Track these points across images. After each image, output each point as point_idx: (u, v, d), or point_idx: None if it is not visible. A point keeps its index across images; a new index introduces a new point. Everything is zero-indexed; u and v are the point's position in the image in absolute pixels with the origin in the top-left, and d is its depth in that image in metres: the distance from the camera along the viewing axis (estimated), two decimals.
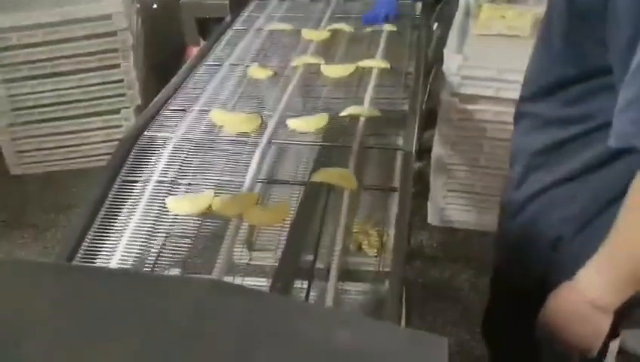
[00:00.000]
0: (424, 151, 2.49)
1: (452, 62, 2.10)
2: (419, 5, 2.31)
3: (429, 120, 2.46)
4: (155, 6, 3.20)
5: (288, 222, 1.20)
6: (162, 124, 1.51)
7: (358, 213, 1.29)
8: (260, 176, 1.32)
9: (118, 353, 0.46)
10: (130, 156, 1.38)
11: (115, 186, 1.30)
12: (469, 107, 2.18)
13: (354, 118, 1.51)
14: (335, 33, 2.02)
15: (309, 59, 1.81)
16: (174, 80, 1.71)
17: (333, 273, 1.09)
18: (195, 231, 1.21)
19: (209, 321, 0.46)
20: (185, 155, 1.39)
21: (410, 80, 1.72)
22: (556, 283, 0.99)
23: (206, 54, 1.90)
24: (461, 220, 2.44)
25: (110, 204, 1.25)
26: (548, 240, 1.03)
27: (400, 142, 1.45)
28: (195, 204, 1.25)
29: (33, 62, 2.70)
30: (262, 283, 1.09)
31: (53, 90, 2.76)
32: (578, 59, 0.94)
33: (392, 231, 1.21)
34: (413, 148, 1.38)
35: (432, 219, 2.48)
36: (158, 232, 1.20)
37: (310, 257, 1.16)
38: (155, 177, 1.32)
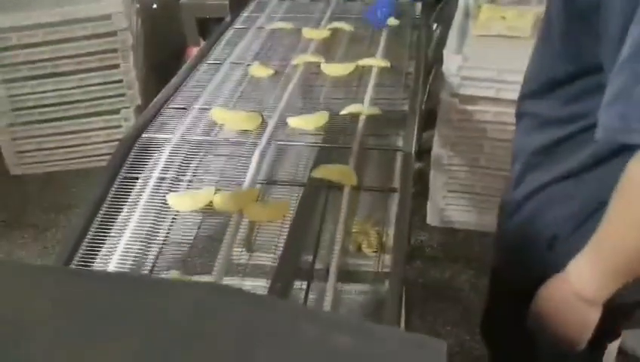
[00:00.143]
0: (424, 152, 2.49)
1: (452, 63, 2.10)
2: (419, 5, 2.31)
3: (429, 120, 2.46)
4: (154, 6, 3.20)
5: (288, 219, 1.20)
6: (163, 122, 1.51)
7: (357, 213, 1.29)
8: (260, 176, 1.33)
9: (117, 353, 0.46)
10: (132, 154, 1.39)
11: (116, 184, 1.30)
12: (469, 108, 2.18)
13: (354, 117, 1.51)
14: (335, 32, 2.02)
15: (310, 57, 1.81)
16: (175, 79, 1.72)
17: (333, 273, 1.09)
18: (196, 228, 1.21)
19: (207, 324, 0.46)
20: (185, 154, 1.39)
21: (410, 80, 1.73)
22: None
23: (207, 53, 1.91)
24: (461, 221, 2.44)
25: (111, 202, 1.26)
26: (544, 239, 1.03)
27: (400, 142, 1.45)
28: (195, 200, 1.25)
29: (33, 62, 2.70)
30: (261, 283, 1.09)
31: (53, 91, 2.76)
32: (576, 57, 0.95)
33: (391, 232, 1.21)
34: (413, 149, 1.39)
35: (431, 219, 2.48)
36: (158, 231, 1.20)
37: (309, 258, 1.16)
38: (156, 175, 1.33)
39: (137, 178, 1.32)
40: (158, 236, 1.19)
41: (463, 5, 2.41)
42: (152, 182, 1.31)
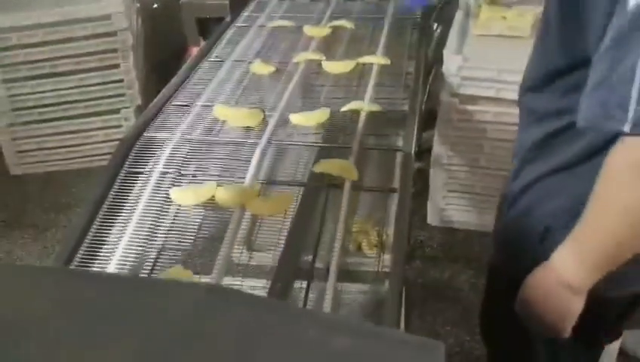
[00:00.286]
0: (424, 152, 2.49)
1: (452, 63, 2.10)
2: None
3: (429, 120, 2.46)
4: (155, 6, 3.20)
5: (290, 213, 1.21)
6: (166, 119, 1.52)
7: (358, 213, 1.30)
8: (260, 176, 1.33)
9: (117, 354, 0.46)
10: (134, 151, 1.39)
11: (119, 180, 1.31)
12: (469, 108, 2.18)
13: (355, 113, 1.52)
14: (336, 30, 2.03)
15: (311, 55, 1.82)
16: (177, 77, 1.73)
17: (333, 273, 1.09)
18: (198, 223, 1.22)
19: (207, 326, 0.46)
20: (188, 150, 1.40)
21: (409, 80, 1.73)
22: None
23: (208, 51, 1.91)
24: (461, 220, 2.44)
25: (113, 199, 1.26)
26: (537, 232, 1.04)
27: (400, 142, 1.45)
28: (198, 194, 1.26)
29: (33, 62, 2.70)
30: (261, 283, 1.09)
31: (53, 90, 2.76)
32: (569, 51, 0.96)
33: (391, 231, 1.21)
34: (413, 150, 1.39)
35: (431, 219, 2.48)
36: (159, 229, 1.20)
37: (309, 257, 1.16)
38: (159, 170, 1.33)
39: (140, 173, 1.33)
40: (160, 231, 1.20)
41: (464, 5, 2.41)
42: (154, 177, 1.31)
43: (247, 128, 1.47)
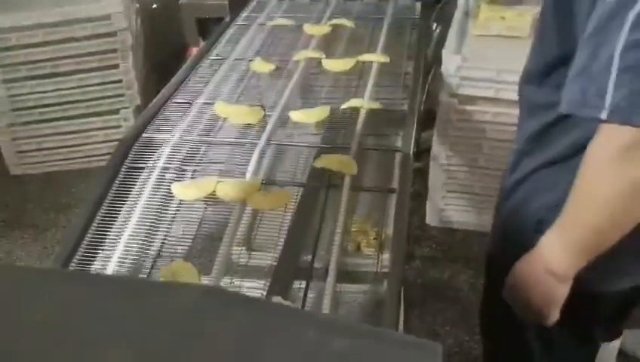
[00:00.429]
0: (423, 152, 2.50)
1: (451, 63, 2.10)
2: (418, 5, 2.32)
3: (428, 120, 2.47)
4: (154, 6, 3.20)
5: (290, 208, 1.22)
6: (167, 116, 1.54)
7: (357, 213, 1.30)
8: (260, 175, 1.34)
9: (117, 355, 0.46)
10: (134, 149, 1.41)
11: (119, 178, 1.32)
12: (468, 108, 2.18)
13: (354, 110, 1.53)
14: (336, 28, 2.04)
15: (311, 53, 1.83)
16: (178, 75, 1.74)
17: (332, 273, 1.10)
18: (199, 218, 1.23)
19: (205, 327, 0.46)
20: (189, 147, 1.42)
21: (408, 80, 1.73)
22: None
23: (209, 50, 1.92)
24: (460, 221, 2.44)
25: (113, 197, 1.28)
26: (532, 224, 1.05)
27: (398, 142, 1.46)
28: (199, 189, 1.27)
29: (33, 62, 2.70)
30: (260, 284, 1.10)
31: (52, 91, 2.77)
32: (564, 43, 0.96)
33: (390, 232, 1.21)
34: (411, 150, 1.39)
35: (431, 219, 2.48)
36: (160, 225, 1.21)
37: (308, 257, 1.16)
38: (160, 165, 1.35)
39: (140, 171, 1.34)
40: (161, 226, 1.21)
41: (463, 5, 2.41)
42: (156, 173, 1.33)
43: (248, 125, 1.49)
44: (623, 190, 0.85)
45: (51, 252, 2.45)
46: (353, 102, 1.55)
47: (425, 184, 2.44)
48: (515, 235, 1.08)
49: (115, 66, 2.77)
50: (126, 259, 1.14)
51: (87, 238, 1.18)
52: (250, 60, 1.82)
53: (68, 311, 0.51)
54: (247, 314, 0.46)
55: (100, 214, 1.23)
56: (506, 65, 2.01)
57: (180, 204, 1.26)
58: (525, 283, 1.02)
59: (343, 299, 1.12)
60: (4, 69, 2.70)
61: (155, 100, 1.61)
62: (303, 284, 1.11)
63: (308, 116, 1.51)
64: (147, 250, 1.17)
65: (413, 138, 1.45)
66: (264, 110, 1.54)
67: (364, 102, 1.55)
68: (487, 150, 2.24)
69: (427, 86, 2.52)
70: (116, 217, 1.23)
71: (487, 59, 2.09)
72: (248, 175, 1.31)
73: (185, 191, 1.27)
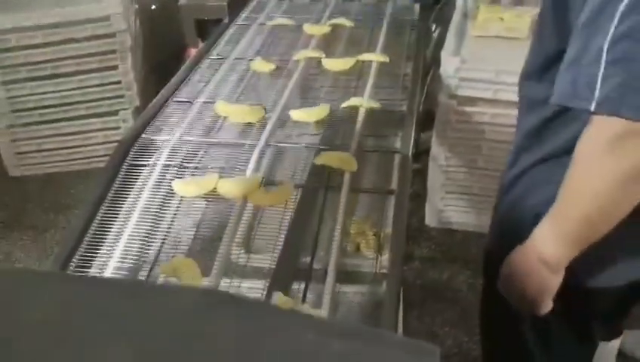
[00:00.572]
0: (422, 153, 2.50)
1: (450, 65, 2.10)
2: (417, 7, 2.32)
3: (427, 121, 2.47)
4: (153, 7, 3.20)
5: (290, 206, 1.23)
6: (168, 115, 1.55)
7: (356, 214, 1.31)
8: (260, 174, 1.35)
9: (116, 356, 0.47)
10: (134, 149, 1.42)
11: (119, 177, 1.33)
12: (467, 109, 2.18)
13: (354, 109, 1.54)
14: (336, 28, 2.05)
15: (311, 53, 1.84)
16: (178, 74, 1.76)
17: (331, 274, 1.10)
18: (200, 214, 1.24)
19: (202, 331, 0.46)
20: (190, 145, 1.43)
21: (407, 81, 1.74)
22: None
23: (209, 50, 1.93)
24: (459, 222, 2.45)
25: (117, 189, 1.29)
26: (529, 219, 1.05)
27: (397, 143, 1.46)
28: (200, 186, 1.28)
29: (32, 63, 2.70)
30: (259, 285, 1.10)
31: (52, 92, 2.77)
32: (561, 38, 0.97)
33: (389, 233, 1.21)
34: (410, 151, 1.40)
35: (430, 220, 2.48)
36: (159, 225, 1.22)
37: (308, 258, 1.16)
38: (162, 162, 1.36)
39: (140, 171, 1.35)
40: (162, 223, 1.22)
41: (461, 6, 2.41)
42: (156, 171, 1.34)
43: (249, 124, 1.50)
44: (613, 181, 0.87)
45: (50, 253, 2.45)
46: (353, 101, 1.57)
47: (424, 185, 2.44)
48: (512, 230, 1.09)
49: (114, 67, 2.77)
50: (127, 256, 1.15)
51: (87, 237, 1.18)
52: (251, 60, 1.83)
53: (67, 312, 0.51)
54: (247, 316, 0.46)
55: (100, 213, 1.24)
56: (504, 66, 2.02)
57: (181, 201, 1.27)
58: (519, 273, 1.03)
59: (342, 300, 1.12)
60: (4, 70, 2.70)
61: (155, 100, 1.62)
62: (302, 286, 1.11)
63: (308, 115, 1.52)
64: (148, 247, 1.17)
65: (412, 139, 1.45)
66: (264, 109, 1.55)
67: (363, 101, 1.56)
68: (486, 151, 2.24)
69: (426, 87, 2.52)
70: (117, 216, 1.24)
71: (486, 61, 2.10)
72: (248, 172, 1.32)
73: (186, 188, 1.28)
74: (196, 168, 1.36)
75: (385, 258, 1.18)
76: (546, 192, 1.01)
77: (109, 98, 2.82)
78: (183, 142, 1.43)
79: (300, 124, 1.51)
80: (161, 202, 1.26)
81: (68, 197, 2.76)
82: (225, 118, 1.53)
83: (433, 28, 2.55)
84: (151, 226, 1.21)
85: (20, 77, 2.72)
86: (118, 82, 2.80)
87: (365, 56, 1.81)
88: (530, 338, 1.20)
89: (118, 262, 1.13)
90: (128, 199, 1.28)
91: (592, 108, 0.84)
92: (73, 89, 2.77)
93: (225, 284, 1.12)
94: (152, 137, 1.45)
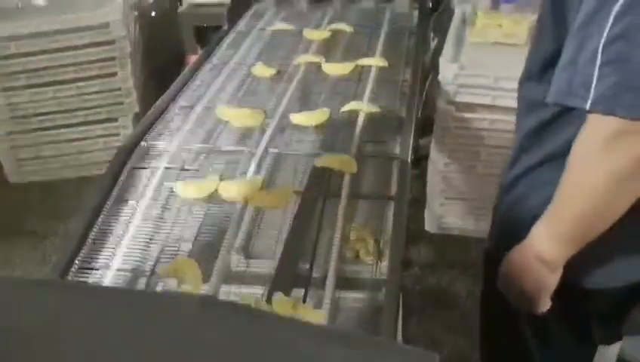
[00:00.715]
0: (422, 158, 2.50)
1: (448, 71, 2.11)
2: (416, 13, 2.33)
3: (426, 127, 2.47)
4: (153, 14, 3.21)
5: (289, 209, 1.25)
6: (170, 119, 1.57)
7: (355, 220, 1.31)
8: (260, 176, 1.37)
9: None
10: (139, 147, 1.44)
11: (122, 177, 1.36)
12: (466, 115, 2.18)
13: (354, 114, 1.55)
14: (335, 33, 2.06)
15: (311, 57, 1.85)
16: (179, 79, 1.77)
17: (330, 281, 1.10)
18: (202, 217, 1.25)
19: (201, 338, 0.46)
20: (190, 150, 1.45)
21: (406, 87, 1.75)
22: None
23: (210, 55, 1.94)
24: (458, 227, 2.45)
25: (119, 192, 1.31)
26: (528, 221, 1.05)
27: (397, 149, 1.47)
28: (202, 188, 1.29)
29: (32, 70, 2.71)
30: (259, 291, 1.10)
31: (51, 99, 2.77)
32: (559, 39, 0.98)
33: (389, 239, 1.22)
34: (409, 157, 1.40)
35: (429, 226, 2.48)
36: (161, 228, 1.23)
37: (307, 265, 1.17)
38: (162, 167, 1.38)
39: (145, 169, 1.38)
40: (164, 225, 1.23)
41: (460, 13, 2.42)
42: (158, 174, 1.35)
43: (249, 128, 1.51)
44: (609, 178, 0.88)
45: (50, 260, 2.45)
46: (352, 105, 1.57)
47: (423, 190, 2.44)
48: (512, 230, 1.10)
49: (114, 74, 2.78)
50: (129, 258, 1.16)
51: (88, 241, 1.19)
52: (252, 65, 1.84)
53: (65, 323, 0.51)
54: (247, 324, 0.46)
55: (101, 217, 1.25)
56: (503, 72, 2.02)
57: (183, 203, 1.28)
58: (517, 271, 1.04)
59: (342, 306, 1.12)
60: (4, 77, 2.70)
61: (156, 104, 1.63)
62: (302, 291, 1.11)
63: (308, 119, 1.53)
64: (149, 249, 1.18)
65: (411, 145, 1.46)
66: (265, 113, 1.56)
67: (363, 105, 1.57)
68: (485, 157, 2.25)
69: (425, 93, 2.53)
70: (118, 219, 1.25)
71: (485, 67, 2.10)
72: (249, 175, 1.33)
73: (188, 190, 1.29)
74: (197, 171, 1.38)
75: (384, 264, 1.18)
76: (546, 193, 1.01)
77: (108, 105, 2.82)
78: (184, 147, 1.44)
79: (300, 128, 1.52)
80: (163, 205, 1.27)
81: (68, 204, 2.76)
82: (226, 122, 1.54)
83: (432, 34, 2.56)
84: (153, 229, 1.22)
85: (19, 84, 2.72)
86: (118, 89, 2.80)
87: (365, 61, 1.82)
88: (530, 338, 1.20)
89: (120, 263, 1.14)
90: (130, 202, 1.29)
91: (588, 106, 0.86)
92: (72, 96, 2.78)
93: (224, 291, 1.12)
94: (153, 143, 1.46)
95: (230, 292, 1.12)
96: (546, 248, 0.99)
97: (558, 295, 1.04)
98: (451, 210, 2.43)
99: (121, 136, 2.84)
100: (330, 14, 2.27)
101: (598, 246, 0.96)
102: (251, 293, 1.12)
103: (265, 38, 2.07)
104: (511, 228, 1.11)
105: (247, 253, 1.23)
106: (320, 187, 1.34)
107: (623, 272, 1.08)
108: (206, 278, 1.11)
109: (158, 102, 1.64)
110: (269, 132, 1.48)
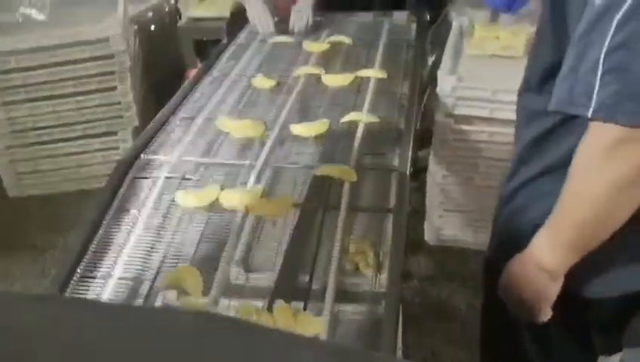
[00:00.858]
0: (420, 170, 2.51)
1: (446, 84, 2.12)
2: (413, 26, 2.35)
3: (425, 139, 2.48)
4: (152, 28, 3.23)
5: (290, 221, 1.26)
6: (171, 130, 1.59)
7: (355, 233, 1.31)
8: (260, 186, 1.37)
9: None
10: (139, 159, 1.45)
11: (125, 185, 1.37)
12: (464, 127, 2.19)
13: (353, 124, 1.56)
14: (335, 45, 2.07)
15: (311, 69, 1.86)
16: (180, 92, 1.79)
17: (330, 293, 1.10)
18: (202, 226, 1.26)
19: (199, 354, 0.46)
20: (191, 161, 1.46)
21: (404, 99, 1.76)
22: None
23: (210, 68, 1.96)
24: (457, 239, 2.45)
25: (120, 203, 1.33)
26: (529, 231, 1.06)
27: (396, 161, 1.47)
28: (202, 197, 1.31)
29: (31, 84, 2.71)
30: (258, 304, 1.10)
31: (51, 113, 2.77)
32: (559, 50, 0.99)
33: (388, 251, 1.22)
34: (408, 170, 1.41)
35: (428, 238, 2.48)
36: (161, 241, 1.24)
37: (306, 277, 1.17)
38: (163, 176, 1.40)
39: (146, 179, 1.40)
40: (165, 235, 1.24)
41: (457, 26, 2.44)
42: (159, 184, 1.37)
43: (250, 139, 1.53)
44: (610, 187, 0.88)
45: (49, 274, 2.44)
46: (352, 116, 1.58)
47: (423, 202, 2.45)
48: (512, 241, 1.10)
49: (113, 88, 2.78)
50: (130, 266, 1.17)
51: (91, 248, 1.21)
52: (252, 77, 1.85)
53: (63, 338, 0.51)
54: (245, 339, 0.46)
55: (103, 224, 1.26)
56: (501, 84, 2.03)
57: (184, 212, 1.29)
58: (518, 281, 1.05)
59: (341, 319, 1.12)
60: (3, 91, 2.71)
61: (156, 117, 1.64)
62: (302, 304, 1.11)
63: (308, 129, 1.55)
64: (150, 257, 1.19)
65: (409, 158, 1.46)
66: (265, 124, 1.57)
67: (362, 116, 1.58)
68: (484, 169, 2.25)
69: (423, 105, 2.54)
70: (120, 226, 1.27)
71: (482, 79, 2.11)
72: (250, 185, 1.34)
73: (189, 199, 1.30)
74: (198, 181, 1.39)
75: (384, 276, 1.18)
76: (546, 204, 1.02)
77: (108, 118, 2.83)
78: (184, 160, 1.46)
79: (300, 139, 1.53)
80: (164, 214, 1.28)
81: (67, 217, 2.75)
82: (227, 133, 1.55)
83: (430, 47, 2.57)
84: (154, 238, 1.23)
85: (18, 98, 2.73)
86: (118, 103, 2.81)
87: (364, 72, 1.83)
88: (531, 348, 1.20)
89: (122, 272, 1.15)
90: (131, 211, 1.30)
91: (590, 114, 0.86)
92: (72, 110, 2.78)
93: (224, 304, 1.12)
94: (154, 153, 1.47)
95: (230, 306, 1.13)
96: (547, 257, 0.99)
97: (559, 304, 1.05)
98: (450, 222, 2.43)
99: (120, 149, 2.85)
100: (330, 27, 2.29)
101: (598, 255, 0.96)
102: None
103: (265, 51, 2.09)
104: (511, 238, 1.12)
105: (246, 265, 1.23)
106: (320, 196, 1.35)
107: (623, 281, 1.08)
108: (206, 288, 1.12)
109: (158, 115, 1.65)
110: (269, 143, 1.49)
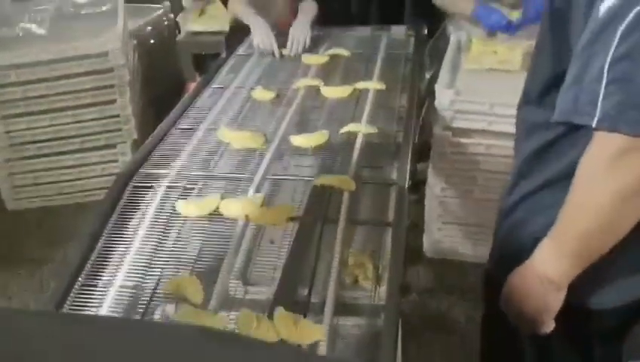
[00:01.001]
0: (419, 183, 2.51)
1: (444, 97, 2.13)
2: (412, 40, 2.36)
3: (423, 152, 2.49)
4: (152, 42, 3.24)
5: (288, 235, 1.26)
6: (172, 141, 1.60)
7: (354, 246, 1.32)
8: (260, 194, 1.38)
9: None
10: (144, 167, 1.47)
11: (128, 191, 1.39)
12: (462, 140, 2.20)
13: (352, 135, 1.57)
14: (334, 58, 2.08)
15: (310, 81, 1.88)
16: (180, 105, 1.80)
17: (329, 306, 1.10)
18: (203, 235, 1.26)
19: None
20: (193, 171, 1.47)
21: (403, 112, 1.77)
22: None
23: (210, 80, 1.97)
24: (456, 252, 2.45)
25: (121, 211, 1.33)
26: (530, 244, 1.06)
27: (394, 174, 1.48)
28: (203, 206, 1.31)
29: (31, 98, 2.72)
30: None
31: (50, 126, 2.78)
32: (560, 63, 1.00)
33: (387, 264, 1.22)
34: (407, 183, 1.41)
35: (427, 250, 2.48)
36: (161, 250, 1.24)
37: (305, 291, 1.17)
38: (165, 185, 1.40)
39: (149, 188, 1.40)
40: (165, 244, 1.25)
41: (455, 40, 2.45)
42: (160, 193, 1.37)
43: (250, 150, 1.54)
44: (614, 197, 0.89)
45: (47, 288, 2.44)
46: (351, 127, 1.59)
47: (421, 215, 2.45)
48: (513, 254, 1.10)
49: (113, 101, 2.79)
50: (131, 275, 1.17)
51: (92, 256, 1.21)
52: (252, 89, 1.87)
53: (64, 354, 0.51)
54: (244, 355, 0.47)
55: (104, 234, 1.26)
56: (498, 98, 2.04)
57: (185, 221, 1.29)
58: (520, 293, 1.04)
59: (341, 332, 1.12)
60: (2, 105, 2.71)
61: (158, 128, 1.65)
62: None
63: (307, 140, 1.56)
64: (151, 266, 1.20)
65: (408, 171, 1.47)
66: (265, 135, 1.58)
67: (361, 127, 1.59)
68: (482, 181, 2.25)
69: (421, 118, 2.55)
70: (121, 236, 1.27)
71: (480, 93, 2.12)
72: (250, 192, 1.34)
73: (189, 208, 1.31)
74: (200, 189, 1.40)
75: (383, 289, 1.18)
76: (547, 217, 1.02)
77: (107, 131, 2.83)
78: (184, 169, 1.47)
79: (299, 150, 1.54)
80: (165, 222, 1.29)
81: (65, 231, 2.75)
82: (227, 143, 1.56)
83: (428, 61, 2.59)
84: (154, 246, 1.23)
85: (18, 111, 2.73)
86: (117, 116, 2.81)
87: (362, 84, 1.84)
88: (532, 360, 1.20)
89: (122, 280, 1.16)
90: (132, 220, 1.31)
91: (594, 124, 0.87)
92: (71, 123, 2.79)
93: (223, 315, 1.12)
94: (154, 162, 1.48)
95: (229, 319, 1.12)
96: (551, 268, 0.99)
97: (561, 316, 1.04)
98: (449, 235, 2.43)
99: (119, 162, 2.85)
100: (328, 41, 2.30)
101: (599, 266, 0.96)
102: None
103: (264, 63, 2.10)
104: (511, 251, 1.12)
105: (245, 279, 1.23)
106: (320, 207, 1.35)
107: (625, 291, 1.08)
108: (206, 298, 1.12)
109: (158, 127, 1.66)
110: (268, 155, 1.50)
